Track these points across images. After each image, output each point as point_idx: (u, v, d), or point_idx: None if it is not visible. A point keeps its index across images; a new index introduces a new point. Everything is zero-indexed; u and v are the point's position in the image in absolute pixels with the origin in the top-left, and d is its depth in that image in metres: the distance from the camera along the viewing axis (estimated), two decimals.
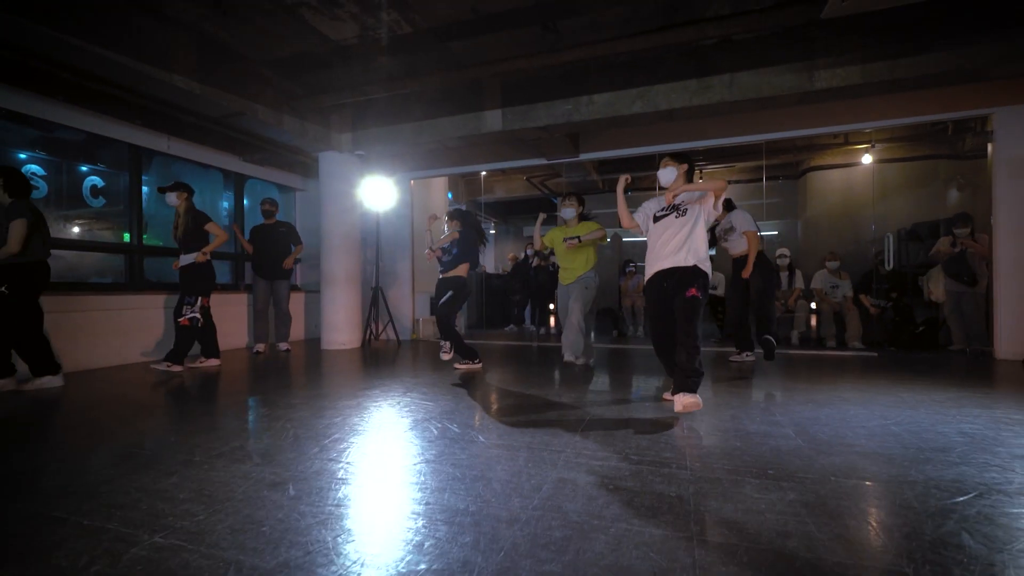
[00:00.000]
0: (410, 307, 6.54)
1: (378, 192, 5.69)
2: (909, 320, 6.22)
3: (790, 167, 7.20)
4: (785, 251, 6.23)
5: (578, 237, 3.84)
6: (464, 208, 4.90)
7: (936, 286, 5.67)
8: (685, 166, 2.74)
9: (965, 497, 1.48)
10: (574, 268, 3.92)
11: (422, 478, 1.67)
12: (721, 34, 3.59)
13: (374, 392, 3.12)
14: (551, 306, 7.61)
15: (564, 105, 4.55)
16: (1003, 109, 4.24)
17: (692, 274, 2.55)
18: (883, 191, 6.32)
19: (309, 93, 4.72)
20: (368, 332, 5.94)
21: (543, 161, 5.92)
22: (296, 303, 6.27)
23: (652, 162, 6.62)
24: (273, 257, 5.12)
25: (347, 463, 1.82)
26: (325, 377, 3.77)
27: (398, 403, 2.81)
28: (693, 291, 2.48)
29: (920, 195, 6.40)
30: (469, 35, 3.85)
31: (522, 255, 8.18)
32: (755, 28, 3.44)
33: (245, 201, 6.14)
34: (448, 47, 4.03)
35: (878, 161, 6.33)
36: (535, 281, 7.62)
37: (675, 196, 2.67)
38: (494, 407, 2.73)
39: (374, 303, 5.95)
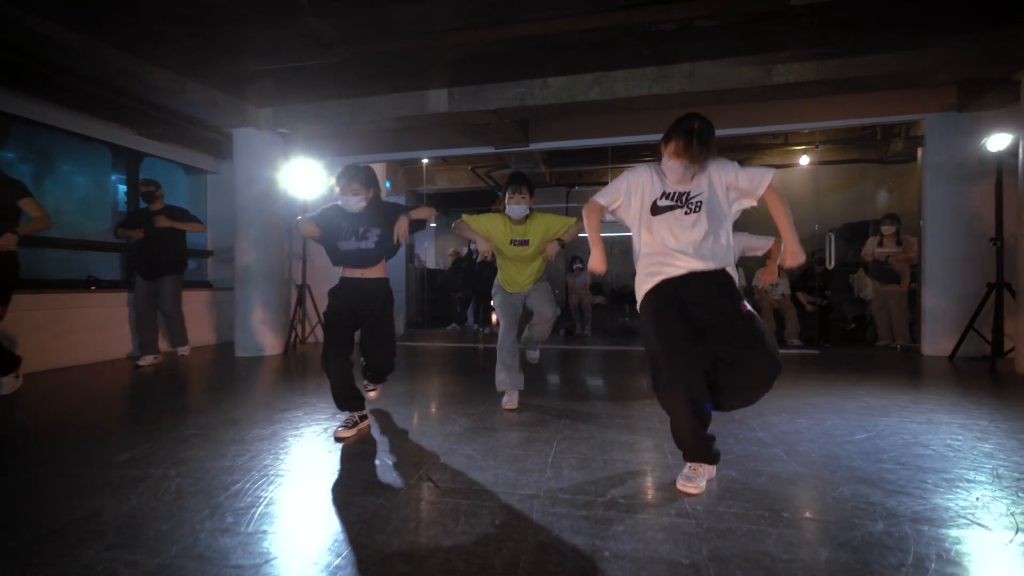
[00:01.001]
0: None
1: (304, 177, 5.01)
2: (841, 317, 6.51)
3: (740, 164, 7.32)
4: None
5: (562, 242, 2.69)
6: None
7: (865, 285, 5.98)
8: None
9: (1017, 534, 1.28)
10: (524, 278, 2.76)
11: (354, 558, 1.23)
12: (684, 17, 3.37)
13: (296, 414, 2.59)
14: None
15: (517, 88, 4.17)
16: (933, 115, 4.41)
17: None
18: (817, 192, 6.55)
19: (220, 55, 3.96)
20: (293, 336, 5.26)
21: (491, 150, 5.52)
22: (199, 303, 5.42)
23: (604, 155, 6.44)
24: (157, 250, 4.25)
25: (250, 533, 1.33)
26: (234, 394, 3.15)
27: (326, 430, 2.31)
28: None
29: (851, 197, 6.72)
30: None
31: (464, 250, 7.74)
32: (720, 12, 3.25)
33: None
34: (387, 11, 3.50)
35: (814, 163, 6.55)
36: (479, 277, 7.23)
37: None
38: (445, 433, 2.32)
39: (300, 303, 5.28)
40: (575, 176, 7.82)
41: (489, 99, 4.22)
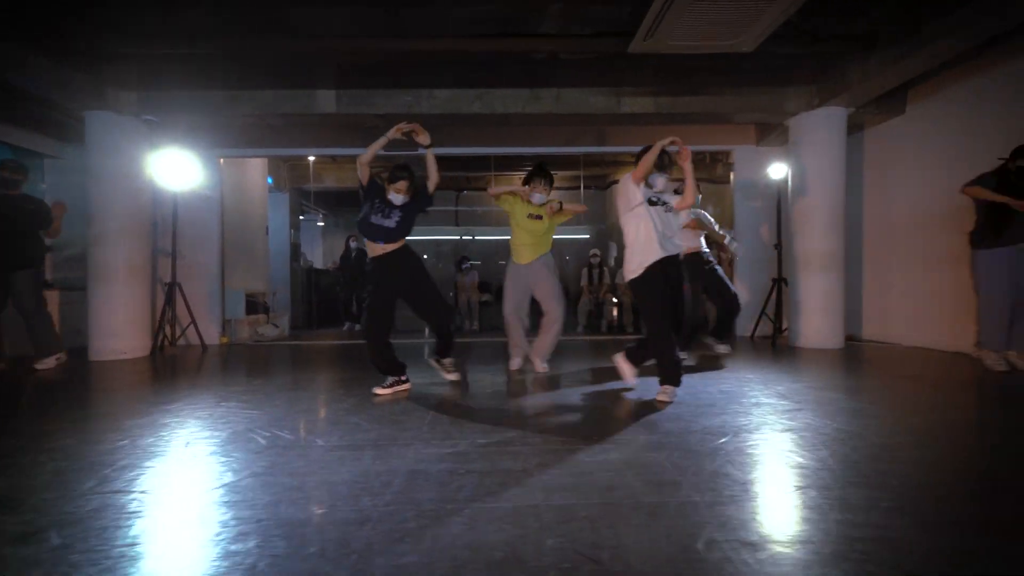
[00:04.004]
0: (220, 306, 5.61)
1: (176, 168, 4.72)
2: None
3: (601, 179, 8.32)
4: (596, 252, 7.20)
5: (560, 203, 3.43)
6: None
7: None
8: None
9: (726, 438, 1.93)
10: (532, 250, 3.39)
11: (250, 494, 1.46)
12: (550, 50, 3.96)
13: (176, 406, 2.60)
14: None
15: (405, 96, 4.45)
16: (740, 147, 5.62)
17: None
18: None
19: (73, 28, 3.61)
20: (161, 337, 4.89)
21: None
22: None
23: (487, 163, 6.95)
24: (13, 240, 3.73)
25: (141, 493, 1.49)
26: (100, 394, 3.00)
27: (210, 415, 2.40)
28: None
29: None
30: (308, 3, 3.45)
31: (343, 248, 7.68)
32: (577, 51, 3.89)
33: None
34: (285, 13, 3.55)
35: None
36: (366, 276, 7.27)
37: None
38: (333, 409, 2.54)
39: (169, 302, 4.93)
40: (463, 181, 8.24)
41: (378, 104, 4.44)
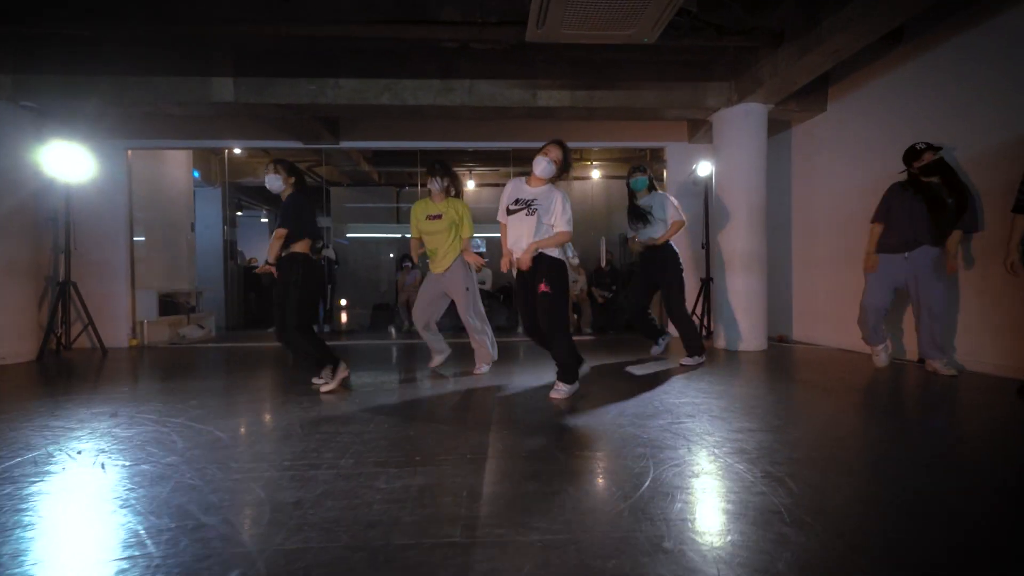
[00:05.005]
0: (128, 306, 5.30)
1: (68, 160, 4.41)
2: (622, 309, 7.68)
3: None
4: None
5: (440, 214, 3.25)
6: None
7: None
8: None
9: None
10: (443, 252, 3.27)
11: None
12: (454, 38, 3.79)
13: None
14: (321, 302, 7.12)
15: (308, 85, 4.22)
16: (672, 144, 5.54)
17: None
18: (608, 202, 7.68)
19: None
20: (53, 340, 4.57)
21: (299, 144, 5.44)
22: None
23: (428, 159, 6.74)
24: None
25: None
26: None
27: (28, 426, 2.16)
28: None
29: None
30: None
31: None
32: (481, 39, 3.72)
33: None
34: None
35: (605, 177, 7.65)
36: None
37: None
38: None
39: (62, 302, 4.61)
40: (405, 177, 8.02)
41: (279, 94, 4.21)
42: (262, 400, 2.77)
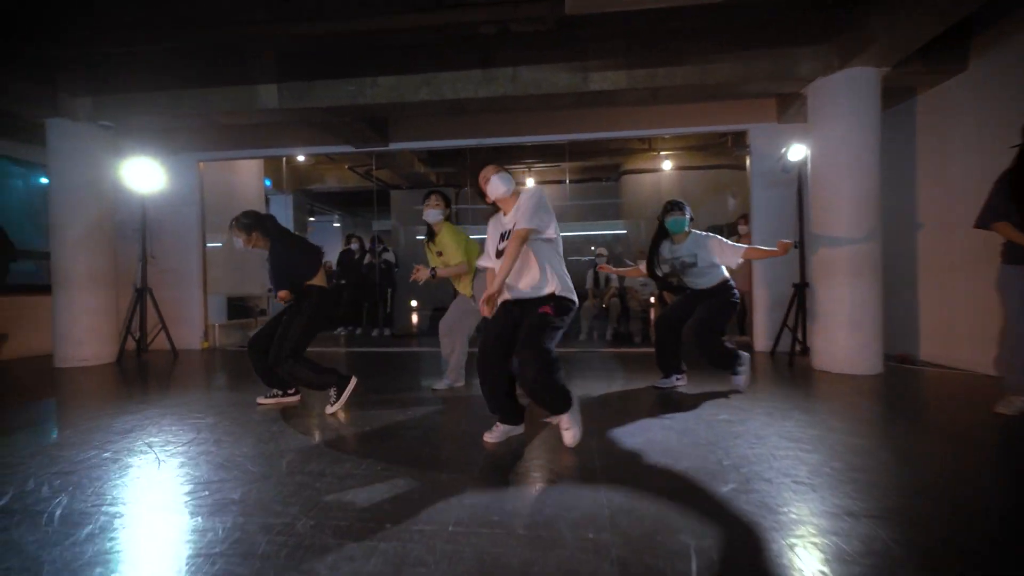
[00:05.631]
0: (200, 311, 5.60)
1: (142, 174, 4.70)
2: None
3: (608, 168, 7.54)
4: (603, 250, 6.48)
5: (434, 270, 2.99)
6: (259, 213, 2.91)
7: None
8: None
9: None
10: (456, 279, 3.13)
11: None
12: (490, 20, 3.41)
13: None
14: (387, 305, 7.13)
15: (346, 86, 4.08)
16: (756, 126, 4.71)
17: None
18: (684, 196, 6.85)
19: (25, 42, 3.59)
20: (131, 343, 4.91)
21: (349, 149, 5.39)
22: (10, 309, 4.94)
23: (486, 157, 6.45)
24: None
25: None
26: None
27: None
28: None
29: (714, 201, 7.09)
30: None
31: (348, 246, 7.47)
32: (517, 17, 3.31)
33: None
34: (199, 2, 3.32)
35: (679, 168, 6.85)
36: (367, 279, 7.08)
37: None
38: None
39: (140, 308, 4.93)
40: (460, 177, 7.82)
41: (320, 97, 4.11)
42: (271, 421, 2.58)
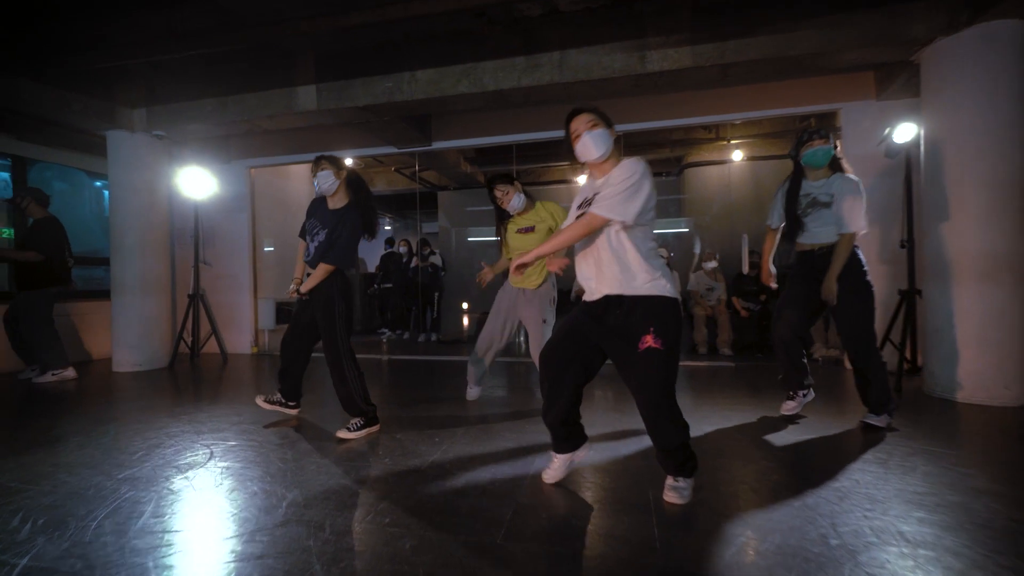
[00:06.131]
0: (251, 315, 5.67)
1: (195, 182, 4.79)
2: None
3: (670, 162, 6.90)
4: (663, 251, 5.91)
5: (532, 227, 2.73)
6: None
7: None
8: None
9: None
10: (536, 266, 2.69)
11: None
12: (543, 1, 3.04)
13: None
14: (433, 310, 6.97)
15: (384, 82, 3.87)
16: (848, 104, 4.00)
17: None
18: (757, 191, 6.12)
19: (59, 49, 3.69)
20: (184, 347, 5.02)
21: (393, 150, 5.22)
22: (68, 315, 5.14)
23: (538, 153, 6.10)
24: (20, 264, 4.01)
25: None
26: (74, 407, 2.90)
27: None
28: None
29: None
30: None
31: (392, 248, 7.37)
32: None
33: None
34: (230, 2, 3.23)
35: (750, 158, 6.11)
36: (414, 282, 6.95)
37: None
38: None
39: (192, 313, 5.04)
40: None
41: (357, 95, 3.93)
42: (290, 442, 2.37)
